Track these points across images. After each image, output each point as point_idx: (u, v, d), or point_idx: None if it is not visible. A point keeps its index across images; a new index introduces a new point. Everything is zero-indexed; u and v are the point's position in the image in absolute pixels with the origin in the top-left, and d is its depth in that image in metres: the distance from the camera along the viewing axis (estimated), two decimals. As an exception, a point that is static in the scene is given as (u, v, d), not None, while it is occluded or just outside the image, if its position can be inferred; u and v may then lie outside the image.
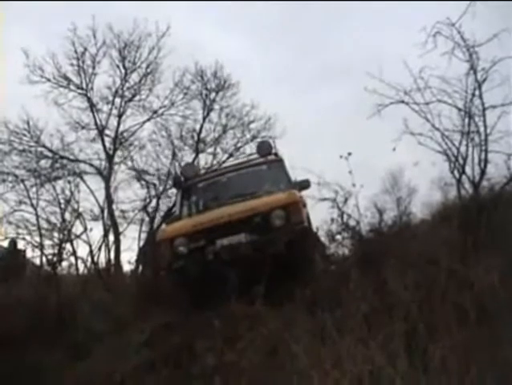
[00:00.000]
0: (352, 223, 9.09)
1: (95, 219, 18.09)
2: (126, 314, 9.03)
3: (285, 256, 8.35)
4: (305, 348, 5.31)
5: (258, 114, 19.80)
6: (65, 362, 7.89)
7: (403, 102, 10.89)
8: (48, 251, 14.51)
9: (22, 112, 17.84)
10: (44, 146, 18.29)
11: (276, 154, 11.50)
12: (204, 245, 9.00)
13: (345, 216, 9.13)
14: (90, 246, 16.38)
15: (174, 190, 14.58)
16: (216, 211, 9.71)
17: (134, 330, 8.30)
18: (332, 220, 9.21)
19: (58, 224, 17.04)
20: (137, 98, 19.19)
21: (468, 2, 9.65)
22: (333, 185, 9.18)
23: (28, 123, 17.99)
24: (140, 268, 16.07)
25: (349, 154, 9.16)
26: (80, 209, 17.48)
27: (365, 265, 7.55)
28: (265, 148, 11.31)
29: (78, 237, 16.51)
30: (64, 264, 13.86)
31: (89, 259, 16.11)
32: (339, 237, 9.23)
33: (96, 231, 17.19)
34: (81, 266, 15.47)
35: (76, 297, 10.05)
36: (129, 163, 19.09)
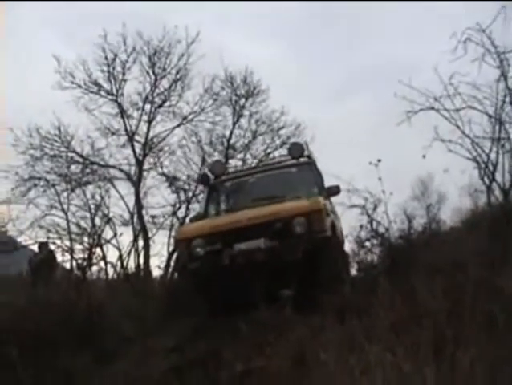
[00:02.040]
0: (381, 230, 9.05)
1: (124, 224, 18.28)
2: (154, 319, 9.02)
3: (303, 265, 8.26)
4: (333, 355, 5.29)
5: (287, 120, 19.81)
6: (93, 366, 7.92)
7: (433, 108, 10.89)
8: (78, 255, 14.67)
9: (53, 118, 17.97)
10: (75, 151, 18.41)
11: (309, 156, 11.43)
12: (221, 248, 8.86)
13: (374, 223, 9.09)
14: (119, 251, 16.59)
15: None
16: (237, 214, 9.61)
17: (162, 334, 8.30)
18: (361, 226, 9.17)
19: (89, 229, 17.29)
20: (167, 104, 19.13)
21: (499, 6, 9.61)
22: (362, 192, 9.15)
23: (59, 128, 18.08)
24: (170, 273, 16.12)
25: (379, 161, 9.12)
26: (110, 214, 17.77)
27: (394, 272, 7.51)
28: (297, 150, 11.14)
29: (108, 241, 16.74)
30: (94, 268, 13.99)
31: (118, 264, 16.28)
32: (367, 243, 9.19)
33: (126, 236, 17.43)
34: (110, 271, 15.61)
35: (105, 302, 10.06)
36: (159, 168, 19.18)
